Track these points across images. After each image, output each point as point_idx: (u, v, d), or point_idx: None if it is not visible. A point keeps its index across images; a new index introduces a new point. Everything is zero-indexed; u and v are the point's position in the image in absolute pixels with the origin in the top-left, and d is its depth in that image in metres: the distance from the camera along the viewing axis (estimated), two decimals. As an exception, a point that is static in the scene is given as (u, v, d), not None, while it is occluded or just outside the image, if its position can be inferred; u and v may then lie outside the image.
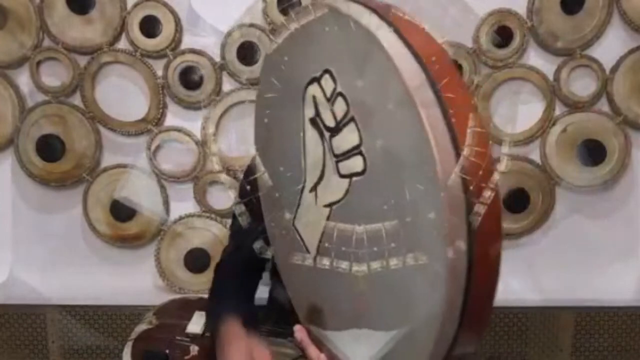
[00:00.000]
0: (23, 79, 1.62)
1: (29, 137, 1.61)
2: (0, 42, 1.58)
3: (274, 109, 1.00)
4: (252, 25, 1.57)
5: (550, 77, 1.59)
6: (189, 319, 1.15)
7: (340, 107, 0.80)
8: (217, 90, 1.60)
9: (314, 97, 0.85)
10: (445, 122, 0.66)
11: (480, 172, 0.64)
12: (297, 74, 0.89)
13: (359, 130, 0.77)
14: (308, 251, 0.92)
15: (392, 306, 0.78)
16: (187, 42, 1.60)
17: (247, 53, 1.57)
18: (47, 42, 1.59)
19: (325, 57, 0.82)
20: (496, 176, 0.65)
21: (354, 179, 0.79)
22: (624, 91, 1.58)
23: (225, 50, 1.58)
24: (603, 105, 1.60)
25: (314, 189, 0.88)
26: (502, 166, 0.67)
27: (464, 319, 0.69)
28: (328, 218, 0.85)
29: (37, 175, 1.63)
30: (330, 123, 0.82)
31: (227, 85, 1.61)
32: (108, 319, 1.64)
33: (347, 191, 0.80)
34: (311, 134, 0.87)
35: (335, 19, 0.80)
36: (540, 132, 1.61)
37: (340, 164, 0.81)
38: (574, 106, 1.60)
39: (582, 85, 1.59)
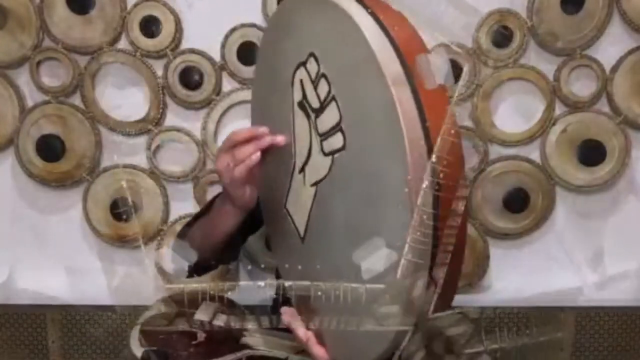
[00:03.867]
0: (23, 79, 1.61)
1: (29, 137, 1.61)
2: (0, 42, 1.58)
3: (265, 99, 1.04)
4: (252, 25, 1.57)
5: (550, 77, 1.59)
6: (196, 307, 1.16)
7: (323, 87, 0.83)
8: (217, 90, 1.60)
9: (301, 81, 0.89)
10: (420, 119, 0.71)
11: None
12: (283, 61, 0.92)
13: (339, 108, 0.80)
14: (298, 232, 0.94)
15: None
16: (187, 42, 1.60)
17: (247, 53, 1.57)
18: (47, 42, 1.59)
19: (310, 41, 0.86)
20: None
21: (336, 155, 0.82)
22: (624, 91, 1.58)
23: (225, 50, 1.58)
24: (603, 105, 1.60)
25: (302, 170, 0.91)
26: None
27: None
28: (315, 197, 0.88)
29: (37, 175, 1.63)
30: (316, 104, 0.86)
31: (227, 85, 1.61)
32: (108, 319, 1.64)
33: (330, 168, 0.83)
34: (299, 116, 0.90)
35: (317, 4, 0.84)
36: (540, 132, 1.60)
37: (324, 142, 0.85)
38: (574, 106, 1.60)
39: (582, 85, 1.59)
